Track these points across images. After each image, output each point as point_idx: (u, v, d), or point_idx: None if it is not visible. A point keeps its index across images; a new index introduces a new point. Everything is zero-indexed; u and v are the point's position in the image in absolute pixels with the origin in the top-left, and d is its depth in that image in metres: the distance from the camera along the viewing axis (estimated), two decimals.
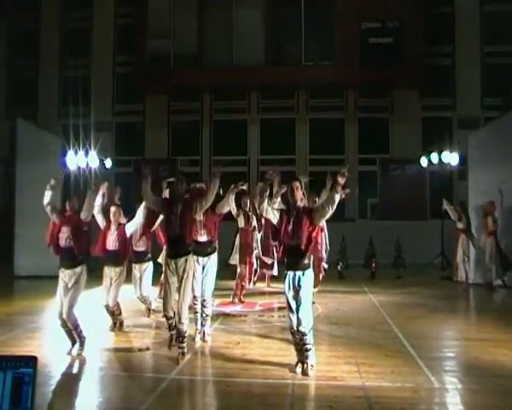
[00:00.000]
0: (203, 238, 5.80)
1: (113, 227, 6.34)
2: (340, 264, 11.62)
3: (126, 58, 17.10)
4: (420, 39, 15.29)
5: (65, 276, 5.27)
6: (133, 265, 7.00)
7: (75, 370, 4.93)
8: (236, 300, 8.40)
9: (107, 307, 6.37)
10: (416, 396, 4.10)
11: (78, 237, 5.30)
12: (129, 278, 6.95)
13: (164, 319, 5.34)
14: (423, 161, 13.54)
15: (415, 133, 15.94)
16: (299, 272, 4.64)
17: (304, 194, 4.86)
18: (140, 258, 6.97)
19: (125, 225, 6.37)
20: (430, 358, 5.13)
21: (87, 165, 13.21)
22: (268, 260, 9.21)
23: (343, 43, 15.38)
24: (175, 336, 5.13)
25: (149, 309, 7.26)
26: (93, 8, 17.21)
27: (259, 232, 8.94)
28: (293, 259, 4.68)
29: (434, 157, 13.02)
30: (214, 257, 5.90)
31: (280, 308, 7.53)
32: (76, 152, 13.04)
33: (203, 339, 5.82)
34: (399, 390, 4.22)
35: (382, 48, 15.43)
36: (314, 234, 4.75)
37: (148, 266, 7.04)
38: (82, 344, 5.32)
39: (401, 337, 5.99)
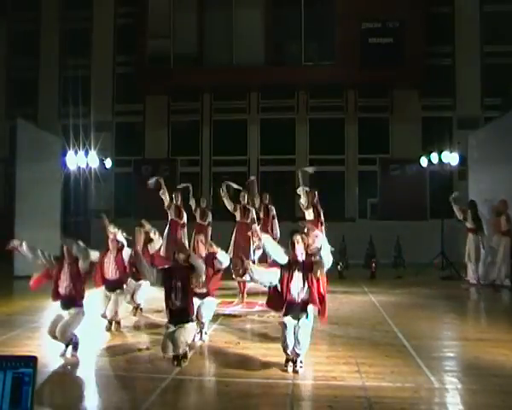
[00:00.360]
0: (203, 290, 5.86)
1: (111, 255, 6.35)
2: (340, 264, 11.60)
3: (126, 58, 17.10)
4: (420, 39, 15.28)
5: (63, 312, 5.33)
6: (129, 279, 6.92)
7: (75, 370, 4.93)
8: (240, 298, 8.41)
9: (103, 316, 6.36)
10: (416, 396, 4.10)
11: (78, 285, 5.32)
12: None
13: (161, 318, 5.30)
14: (423, 161, 13.53)
15: (415, 133, 15.94)
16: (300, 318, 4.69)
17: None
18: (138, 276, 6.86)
19: (122, 249, 6.35)
20: (430, 358, 5.13)
21: (87, 165, 13.22)
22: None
23: (343, 43, 15.38)
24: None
25: (136, 308, 7.20)
26: (93, 8, 17.22)
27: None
28: (294, 312, 4.70)
29: (434, 157, 13.01)
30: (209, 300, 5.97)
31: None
32: (76, 152, 13.05)
33: (201, 338, 5.82)
34: (399, 390, 4.22)
35: (382, 48, 15.43)
36: (321, 288, 4.77)
37: (145, 283, 6.97)
38: (76, 346, 5.29)
39: (401, 337, 5.99)
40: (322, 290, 4.83)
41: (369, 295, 9.14)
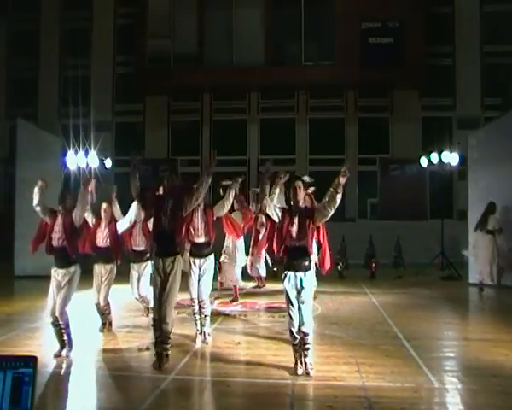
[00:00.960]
0: (201, 239, 5.71)
1: (103, 224, 6.28)
2: (340, 264, 11.61)
3: (126, 58, 17.12)
4: (420, 39, 15.30)
5: (58, 275, 5.24)
6: (131, 264, 6.92)
7: (75, 370, 4.93)
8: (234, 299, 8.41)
9: (97, 305, 6.34)
10: (416, 396, 4.10)
11: (71, 237, 5.23)
12: (126, 278, 6.95)
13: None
14: (423, 161, 13.53)
15: (415, 133, 15.96)
16: (300, 274, 4.61)
17: (310, 196, 4.77)
18: (139, 258, 6.87)
19: (116, 222, 6.31)
20: (430, 358, 5.13)
21: (87, 165, 13.21)
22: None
23: (343, 43, 15.40)
24: (158, 338, 4.93)
25: (148, 308, 7.20)
26: (93, 8, 17.24)
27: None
28: (295, 260, 4.63)
29: (434, 157, 13.01)
30: (211, 258, 5.85)
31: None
32: (76, 152, 13.04)
33: (204, 340, 5.80)
34: (399, 390, 4.22)
35: (382, 48, 15.44)
36: (320, 236, 4.72)
37: (147, 266, 6.95)
38: (70, 345, 5.26)
39: (401, 337, 5.99)
40: (321, 239, 4.80)
41: (369, 296, 9.14)
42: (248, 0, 16.18)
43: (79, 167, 13.14)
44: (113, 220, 6.34)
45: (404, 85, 16.12)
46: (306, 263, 4.64)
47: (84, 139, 13.54)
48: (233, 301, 8.36)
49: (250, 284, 9.84)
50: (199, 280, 5.73)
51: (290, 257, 4.67)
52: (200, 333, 5.83)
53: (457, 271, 11.40)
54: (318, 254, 5.06)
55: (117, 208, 6.49)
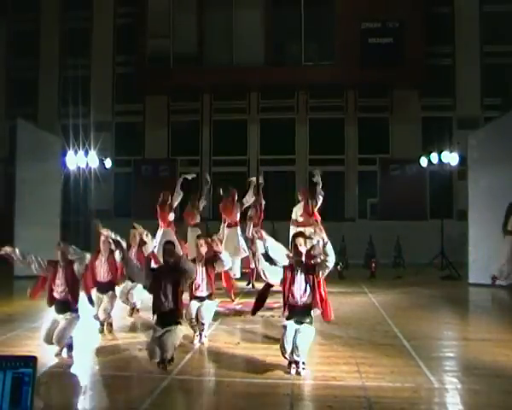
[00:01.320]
0: (203, 293, 5.82)
1: (102, 258, 6.27)
2: (340, 264, 11.59)
3: (126, 58, 17.11)
4: (420, 39, 15.30)
5: (58, 318, 5.26)
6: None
7: (75, 370, 4.93)
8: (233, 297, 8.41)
9: (96, 317, 6.28)
10: (415, 396, 4.10)
11: (73, 288, 5.25)
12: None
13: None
14: (423, 161, 13.53)
15: (415, 133, 15.95)
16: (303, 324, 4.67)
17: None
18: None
19: (114, 252, 6.21)
20: (430, 358, 5.13)
21: (87, 165, 13.22)
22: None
23: (343, 43, 15.39)
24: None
25: (133, 309, 7.18)
26: (93, 8, 17.23)
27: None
28: (298, 316, 4.68)
29: (434, 157, 13.01)
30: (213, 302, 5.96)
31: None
32: (76, 152, 13.06)
33: (200, 341, 5.80)
34: (399, 390, 4.22)
35: (382, 48, 15.43)
36: (321, 288, 4.75)
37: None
38: (71, 347, 5.24)
39: (401, 337, 5.99)
40: (322, 291, 4.82)
41: (369, 296, 9.14)
42: (248, 0, 16.17)
43: (79, 167, 13.15)
44: (111, 253, 6.28)
45: (404, 85, 16.12)
46: (310, 316, 4.71)
47: (83, 139, 13.56)
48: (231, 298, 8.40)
49: (245, 285, 9.88)
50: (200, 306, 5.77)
51: (294, 313, 4.70)
52: (197, 335, 5.83)
53: (457, 271, 11.40)
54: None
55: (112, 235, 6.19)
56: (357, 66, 15.21)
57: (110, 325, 6.43)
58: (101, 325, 6.36)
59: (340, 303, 8.34)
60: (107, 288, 6.32)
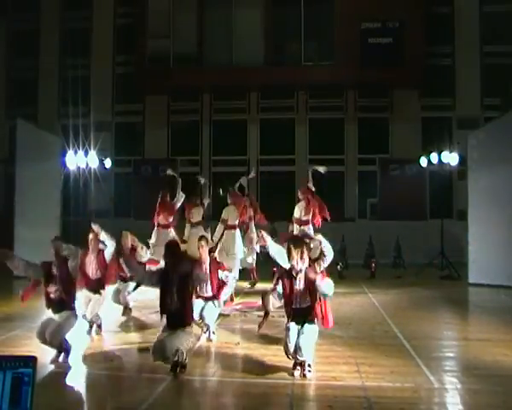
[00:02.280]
0: (209, 294, 5.86)
1: (92, 256, 6.19)
2: (340, 264, 11.60)
3: (126, 58, 17.12)
4: (420, 39, 15.30)
5: (55, 316, 5.20)
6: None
7: (75, 370, 4.92)
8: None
9: (84, 317, 6.06)
10: (415, 396, 4.10)
11: (68, 288, 5.18)
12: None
13: (155, 317, 5.23)
14: (423, 161, 13.53)
15: (414, 133, 15.95)
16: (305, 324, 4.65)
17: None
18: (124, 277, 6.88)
19: (103, 251, 6.14)
20: (430, 358, 5.13)
21: (87, 165, 13.21)
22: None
23: (343, 43, 15.39)
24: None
25: (126, 308, 7.16)
26: (93, 8, 17.24)
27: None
28: (300, 317, 4.66)
29: (434, 157, 13.01)
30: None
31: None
32: (76, 152, 13.05)
33: (208, 338, 5.82)
34: (399, 390, 4.22)
35: (382, 48, 15.44)
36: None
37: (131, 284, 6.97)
38: (68, 353, 5.09)
39: (401, 337, 5.99)
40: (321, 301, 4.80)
41: (369, 295, 9.15)
42: (248, 0, 16.17)
43: (79, 167, 13.15)
44: (100, 251, 6.19)
45: (403, 85, 16.12)
46: (310, 319, 4.67)
47: (83, 139, 13.55)
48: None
49: (245, 285, 9.86)
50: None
51: (296, 316, 4.69)
52: (205, 332, 5.84)
53: (457, 271, 11.41)
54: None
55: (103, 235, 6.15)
56: (357, 66, 15.21)
57: (99, 326, 6.26)
58: (90, 326, 6.16)
59: (340, 303, 8.33)
60: (96, 286, 6.20)
